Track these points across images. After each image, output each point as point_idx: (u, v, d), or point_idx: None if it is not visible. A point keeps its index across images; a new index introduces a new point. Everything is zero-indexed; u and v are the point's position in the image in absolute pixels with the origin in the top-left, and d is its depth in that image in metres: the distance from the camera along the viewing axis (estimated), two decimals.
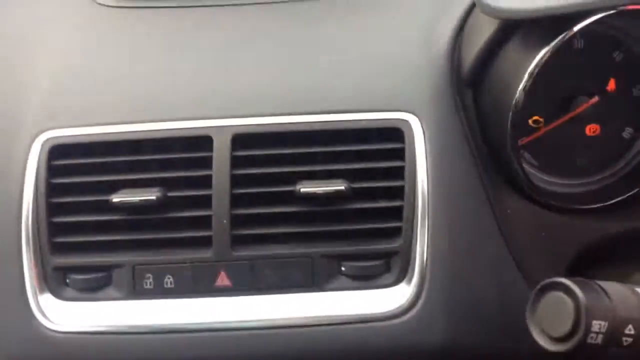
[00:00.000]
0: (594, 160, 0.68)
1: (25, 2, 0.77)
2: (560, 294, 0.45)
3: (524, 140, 0.66)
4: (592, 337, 0.43)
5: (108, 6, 0.75)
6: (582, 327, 0.43)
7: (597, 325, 0.43)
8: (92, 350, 0.62)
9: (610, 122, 0.67)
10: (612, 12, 0.56)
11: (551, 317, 0.45)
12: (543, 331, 0.46)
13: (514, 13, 0.57)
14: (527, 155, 0.67)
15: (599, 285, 0.46)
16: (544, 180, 0.67)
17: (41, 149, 0.63)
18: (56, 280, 0.63)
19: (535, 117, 0.65)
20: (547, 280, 0.46)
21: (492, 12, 0.59)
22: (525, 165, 0.64)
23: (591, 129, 0.66)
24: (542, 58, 0.58)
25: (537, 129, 0.66)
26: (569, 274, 0.65)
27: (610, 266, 0.66)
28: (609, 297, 0.44)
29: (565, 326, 0.44)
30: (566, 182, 0.68)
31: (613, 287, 0.45)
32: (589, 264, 0.66)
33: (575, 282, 0.44)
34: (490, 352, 0.64)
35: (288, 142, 0.63)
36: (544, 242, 0.65)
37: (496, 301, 0.64)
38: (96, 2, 0.76)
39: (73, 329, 0.62)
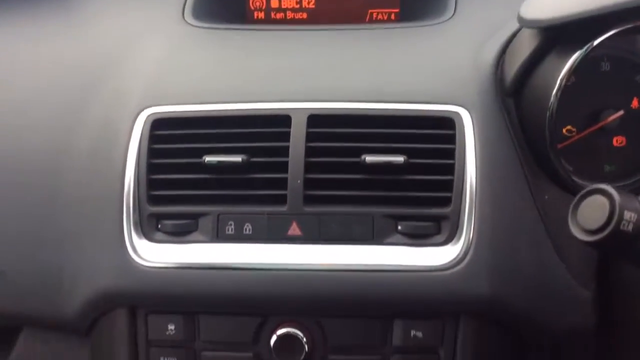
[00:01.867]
0: (620, 169, 0.74)
1: (121, 17, 0.90)
2: (598, 196, 0.52)
3: (559, 147, 0.73)
4: (624, 225, 0.49)
5: (195, 26, 0.87)
6: (616, 215, 0.49)
7: (629, 215, 0.49)
8: (177, 282, 0.69)
9: (634, 135, 0.73)
10: (630, 26, 0.65)
11: (590, 215, 0.51)
12: (582, 227, 0.52)
13: (547, 22, 0.66)
14: (562, 160, 0.73)
15: (632, 194, 0.53)
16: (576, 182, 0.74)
17: (145, 121, 0.73)
18: (149, 226, 0.70)
19: (569, 127, 0.73)
20: (588, 188, 0.53)
21: (527, 23, 0.69)
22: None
23: (618, 140, 0.74)
24: (572, 65, 0.67)
25: (571, 136, 0.73)
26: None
27: None
28: (639, 201, 0.52)
29: (602, 218, 0.50)
30: None
31: None
32: None
33: (612, 186, 0.52)
34: (527, 306, 0.69)
35: (356, 123, 0.72)
36: None
37: (533, 265, 0.69)
38: (185, 21, 0.87)
39: (161, 265, 0.69)
